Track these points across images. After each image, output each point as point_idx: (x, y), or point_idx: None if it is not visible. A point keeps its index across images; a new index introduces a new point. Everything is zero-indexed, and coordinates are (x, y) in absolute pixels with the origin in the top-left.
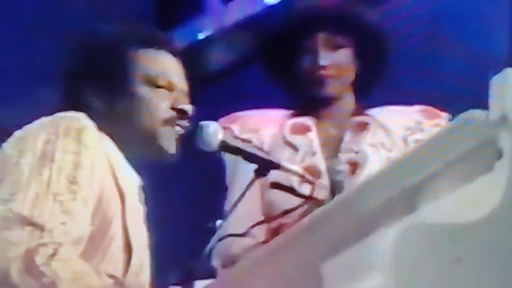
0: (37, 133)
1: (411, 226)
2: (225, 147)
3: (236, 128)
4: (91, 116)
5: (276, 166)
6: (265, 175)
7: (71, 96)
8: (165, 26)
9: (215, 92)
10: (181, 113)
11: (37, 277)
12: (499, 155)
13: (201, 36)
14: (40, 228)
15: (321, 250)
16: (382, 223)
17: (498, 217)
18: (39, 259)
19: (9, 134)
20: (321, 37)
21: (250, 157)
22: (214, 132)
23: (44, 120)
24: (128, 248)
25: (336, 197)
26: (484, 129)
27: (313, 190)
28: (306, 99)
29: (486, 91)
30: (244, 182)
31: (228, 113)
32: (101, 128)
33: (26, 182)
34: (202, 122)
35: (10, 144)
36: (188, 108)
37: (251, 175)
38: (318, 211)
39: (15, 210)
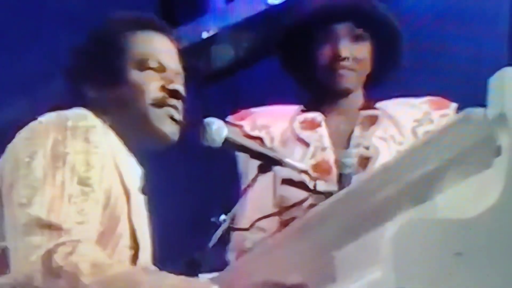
0: (45, 133)
1: (411, 221)
2: (229, 144)
3: (247, 125)
4: (92, 108)
5: (279, 162)
6: (268, 171)
7: (71, 88)
8: (169, 25)
9: (219, 90)
10: (173, 94)
11: (59, 275)
12: (498, 152)
13: (205, 35)
14: (58, 228)
15: (323, 244)
16: (383, 218)
17: (498, 212)
18: (58, 257)
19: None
20: (342, 28)
21: (253, 154)
22: (218, 129)
23: (50, 118)
24: (135, 246)
25: (336, 194)
26: (482, 127)
27: (315, 185)
28: (319, 92)
29: (485, 89)
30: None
31: (234, 110)
32: (102, 119)
33: (41, 186)
34: (207, 119)
35: (19, 145)
36: (180, 88)
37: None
38: (318, 207)
39: (33, 214)
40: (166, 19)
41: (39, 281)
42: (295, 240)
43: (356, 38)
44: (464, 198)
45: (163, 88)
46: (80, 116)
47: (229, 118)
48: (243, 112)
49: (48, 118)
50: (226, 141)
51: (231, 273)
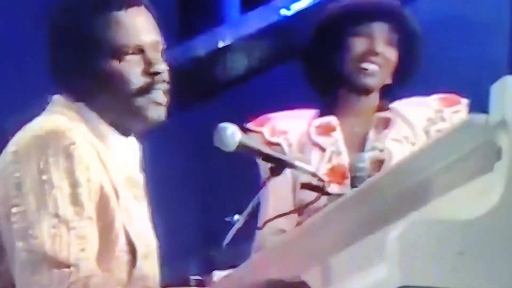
0: (27, 157)
1: (416, 221)
2: (243, 148)
3: (266, 131)
4: (81, 96)
5: (291, 165)
6: (279, 174)
7: (60, 79)
8: (187, 35)
9: (234, 96)
10: (156, 76)
11: None
12: (499, 157)
13: (221, 44)
14: (66, 265)
15: (331, 242)
16: (389, 219)
17: (498, 214)
18: None
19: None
20: (380, 27)
21: (266, 157)
22: (232, 134)
23: (31, 136)
24: (132, 249)
25: (343, 196)
26: (484, 132)
27: (323, 187)
28: (338, 92)
29: (487, 96)
30: (277, 181)
31: (251, 116)
32: (92, 107)
33: (36, 215)
34: (221, 124)
35: (6, 171)
36: (161, 68)
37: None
38: (329, 207)
39: (37, 250)
40: (185, 29)
41: None
42: (303, 239)
43: (389, 41)
44: (466, 200)
45: (145, 73)
46: (59, 132)
47: (249, 125)
48: (261, 117)
49: (29, 135)
50: (240, 145)
51: (243, 270)
